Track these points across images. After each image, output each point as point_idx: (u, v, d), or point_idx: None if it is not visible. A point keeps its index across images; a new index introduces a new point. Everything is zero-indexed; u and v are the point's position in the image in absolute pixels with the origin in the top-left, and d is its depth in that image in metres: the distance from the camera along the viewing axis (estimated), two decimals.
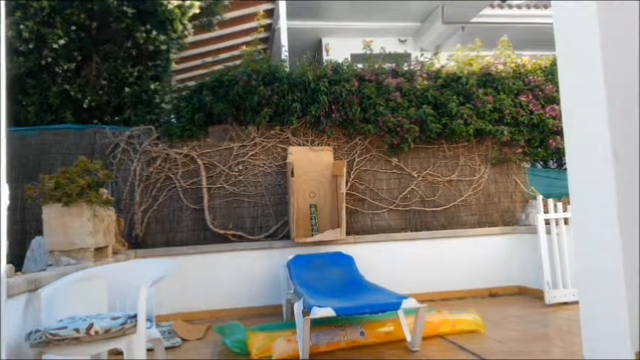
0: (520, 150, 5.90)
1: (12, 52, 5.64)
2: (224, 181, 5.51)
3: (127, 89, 6.00)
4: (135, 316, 2.47)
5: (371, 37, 6.37)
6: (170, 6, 6.06)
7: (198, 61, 7.42)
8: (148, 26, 5.97)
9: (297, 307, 3.39)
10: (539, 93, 5.84)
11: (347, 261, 4.82)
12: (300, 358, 3.29)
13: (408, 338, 3.54)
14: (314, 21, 9.06)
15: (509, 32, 7.02)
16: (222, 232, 5.40)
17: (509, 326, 3.99)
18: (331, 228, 5.34)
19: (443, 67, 6.05)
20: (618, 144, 1.64)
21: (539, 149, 5.93)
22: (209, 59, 6.45)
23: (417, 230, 5.72)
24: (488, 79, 5.83)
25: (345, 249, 5.15)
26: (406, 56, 7.28)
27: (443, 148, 5.89)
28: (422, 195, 5.81)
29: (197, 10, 6.48)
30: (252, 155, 5.60)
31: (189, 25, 6.47)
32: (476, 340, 3.61)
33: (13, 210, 4.98)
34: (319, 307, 3.19)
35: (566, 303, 4.72)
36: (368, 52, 6.01)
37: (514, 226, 5.75)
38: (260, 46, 6.09)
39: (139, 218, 5.30)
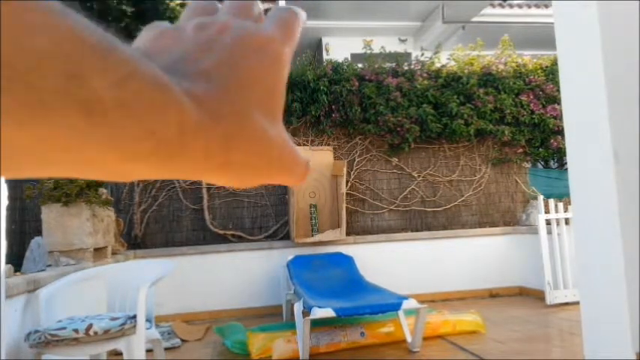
0: (521, 150, 5.89)
1: None
2: None
3: None
4: (134, 317, 2.47)
5: (371, 36, 6.35)
6: (172, 4, 6.05)
7: None
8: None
9: (297, 307, 3.38)
10: (540, 93, 5.83)
11: (347, 261, 4.81)
12: (300, 358, 3.28)
13: (409, 339, 3.53)
14: (314, 20, 9.04)
15: (509, 32, 7.01)
16: (221, 232, 5.39)
17: (509, 327, 3.98)
18: (331, 228, 5.33)
19: (443, 66, 6.03)
20: (619, 144, 1.64)
21: (540, 149, 5.92)
22: None
23: (417, 230, 5.70)
24: (488, 79, 5.82)
25: (345, 249, 5.13)
26: (406, 56, 7.26)
27: (443, 148, 5.88)
28: (422, 195, 5.80)
29: None
30: None
31: None
32: (476, 341, 3.61)
33: (12, 210, 4.98)
34: (319, 307, 3.18)
35: (567, 303, 4.71)
36: (368, 51, 6.00)
37: (515, 227, 5.74)
38: None
39: (139, 218, 5.30)
